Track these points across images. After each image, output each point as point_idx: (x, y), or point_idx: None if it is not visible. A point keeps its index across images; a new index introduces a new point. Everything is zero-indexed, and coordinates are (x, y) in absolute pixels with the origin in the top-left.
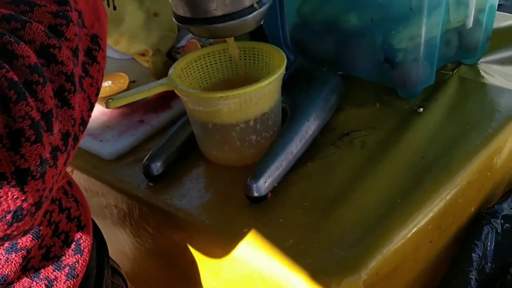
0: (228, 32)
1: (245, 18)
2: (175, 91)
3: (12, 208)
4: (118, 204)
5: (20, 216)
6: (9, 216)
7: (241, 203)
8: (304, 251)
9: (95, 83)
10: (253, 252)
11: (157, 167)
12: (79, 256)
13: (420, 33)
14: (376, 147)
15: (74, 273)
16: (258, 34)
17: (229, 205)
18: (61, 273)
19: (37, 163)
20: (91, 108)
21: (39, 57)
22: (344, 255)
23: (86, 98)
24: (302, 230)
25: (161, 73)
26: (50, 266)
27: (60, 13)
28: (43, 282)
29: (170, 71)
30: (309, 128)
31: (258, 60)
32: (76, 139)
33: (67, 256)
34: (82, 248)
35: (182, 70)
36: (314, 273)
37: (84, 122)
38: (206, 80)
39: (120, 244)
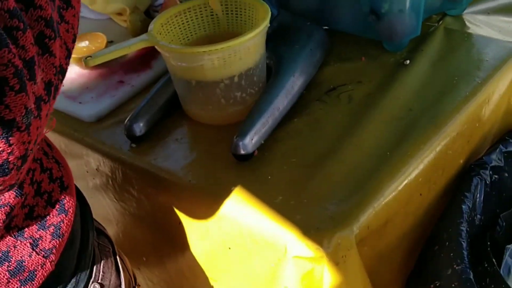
0: None
1: None
2: (156, 47)
3: None
4: (100, 168)
5: (6, 170)
6: None
7: (228, 162)
8: (294, 208)
9: (71, 29)
10: (241, 210)
11: (139, 127)
12: (64, 216)
13: None
14: (363, 101)
15: (59, 233)
16: None
17: (215, 164)
18: (46, 233)
19: (22, 114)
20: (68, 56)
21: (17, 2)
22: (335, 210)
23: (63, 45)
24: (290, 186)
25: (140, 32)
26: (34, 225)
27: None
28: (27, 241)
29: (150, 27)
30: (294, 83)
31: (241, 14)
32: (57, 89)
33: (51, 216)
34: (66, 208)
35: (162, 26)
36: (305, 229)
37: (62, 70)
38: (187, 37)
39: (103, 210)
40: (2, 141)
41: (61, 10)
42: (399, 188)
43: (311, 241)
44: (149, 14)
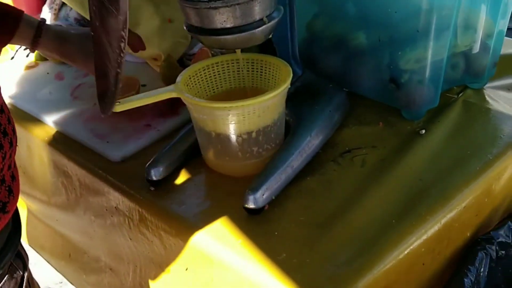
0: (237, 44)
1: (253, 31)
2: (182, 98)
3: None
4: (119, 206)
5: None
6: None
7: (238, 214)
8: (296, 266)
9: None
10: (245, 263)
11: (159, 172)
12: None
13: (427, 56)
14: (376, 166)
15: None
16: (267, 47)
17: (226, 214)
18: None
19: None
20: None
21: None
22: (335, 272)
23: None
24: (296, 244)
25: (170, 78)
26: None
27: None
28: None
29: (178, 79)
30: (310, 143)
31: (266, 73)
32: None
33: None
34: None
35: (190, 78)
36: None
37: None
38: (213, 89)
39: (117, 248)
40: None
41: None
42: (400, 256)
43: None
44: (183, 62)
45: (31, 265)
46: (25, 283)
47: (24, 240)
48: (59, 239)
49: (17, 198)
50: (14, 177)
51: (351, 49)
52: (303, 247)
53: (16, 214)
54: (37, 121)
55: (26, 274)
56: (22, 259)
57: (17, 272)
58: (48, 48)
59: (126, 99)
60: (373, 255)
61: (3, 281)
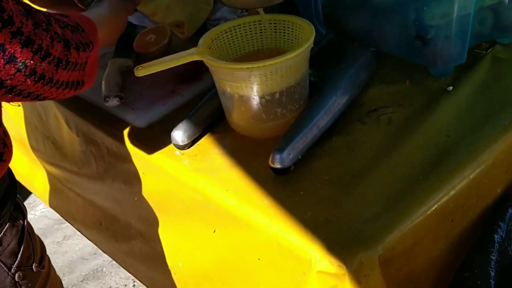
0: (258, 3)
1: None
2: (204, 61)
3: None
4: (146, 172)
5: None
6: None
7: (265, 175)
8: (322, 224)
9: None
10: (271, 222)
11: (184, 136)
12: None
13: (453, 10)
14: (402, 124)
15: None
16: (290, 7)
17: (252, 176)
18: None
19: None
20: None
21: None
22: (362, 229)
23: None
24: (321, 203)
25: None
26: None
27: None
28: None
29: (200, 41)
30: (336, 102)
31: (289, 33)
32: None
33: None
34: None
35: (212, 41)
36: (330, 246)
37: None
38: (236, 52)
39: (145, 211)
40: None
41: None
42: (428, 213)
43: (335, 258)
44: (206, 27)
45: (67, 238)
46: (26, 232)
47: (55, 211)
48: (90, 208)
49: (11, 151)
50: (6, 134)
51: (376, 7)
52: (329, 205)
53: (11, 173)
54: None
55: (25, 224)
56: (21, 210)
57: (18, 221)
58: None
59: (148, 63)
60: (399, 212)
61: (5, 228)
